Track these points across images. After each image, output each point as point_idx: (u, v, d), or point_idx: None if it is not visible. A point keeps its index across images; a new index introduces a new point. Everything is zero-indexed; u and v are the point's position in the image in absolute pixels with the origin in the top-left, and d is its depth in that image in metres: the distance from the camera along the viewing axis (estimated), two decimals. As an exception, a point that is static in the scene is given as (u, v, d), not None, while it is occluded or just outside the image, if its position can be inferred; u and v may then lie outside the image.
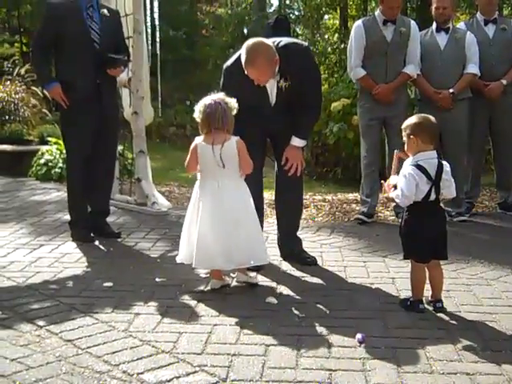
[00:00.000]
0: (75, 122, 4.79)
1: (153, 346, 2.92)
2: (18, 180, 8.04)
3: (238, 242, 3.65)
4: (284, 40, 4.10)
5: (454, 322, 3.26)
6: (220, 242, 3.62)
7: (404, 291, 3.66)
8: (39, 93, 10.39)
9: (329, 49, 12.21)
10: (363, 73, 5.51)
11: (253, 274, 3.93)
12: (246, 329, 3.13)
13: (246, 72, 3.89)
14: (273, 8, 19.08)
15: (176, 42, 16.57)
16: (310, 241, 4.86)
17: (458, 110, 5.60)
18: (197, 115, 3.69)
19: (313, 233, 5.22)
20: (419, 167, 3.27)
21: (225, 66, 4.18)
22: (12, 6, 18.14)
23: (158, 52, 7.60)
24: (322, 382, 2.58)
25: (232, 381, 2.59)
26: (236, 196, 3.71)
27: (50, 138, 8.72)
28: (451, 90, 5.53)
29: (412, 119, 3.43)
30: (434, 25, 5.71)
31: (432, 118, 3.40)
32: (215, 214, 3.63)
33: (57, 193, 7.11)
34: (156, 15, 7.13)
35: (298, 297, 3.64)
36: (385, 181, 3.54)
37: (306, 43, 4.37)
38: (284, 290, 3.77)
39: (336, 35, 14.77)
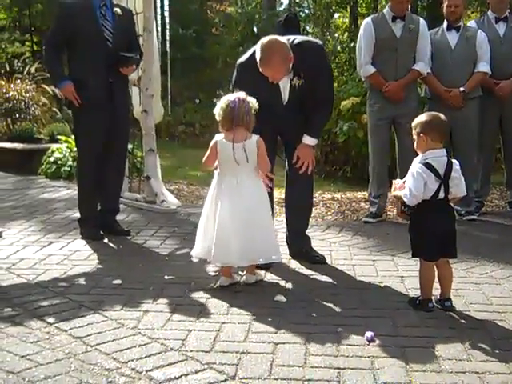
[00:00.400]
0: (87, 120, 4.81)
1: (161, 344, 2.93)
2: (27, 178, 8.09)
3: (253, 240, 3.68)
4: (298, 38, 4.11)
5: (463, 320, 3.25)
6: (237, 238, 3.64)
7: (413, 290, 3.65)
8: (49, 91, 10.43)
9: (338, 47, 12.21)
10: (373, 70, 5.49)
11: (261, 272, 3.94)
12: (254, 327, 3.13)
13: (260, 70, 3.89)
14: (283, 6, 19.11)
15: (186, 41, 16.61)
16: (319, 239, 4.86)
17: (468, 109, 5.57)
18: (218, 112, 3.70)
19: (322, 231, 5.21)
20: (428, 165, 3.26)
21: (238, 62, 4.18)
22: (23, 5, 18.23)
23: (168, 50, 7.61)
24: (331, 381, 2.58)
25: (240, 379, 2.59)
26: (253, 194, 3.74)
27: (59, 137, 8.76)
28: (462, 89, 5.51)
29: (422, 117, 3.42)
30: (445, 23, 5.69)
31: (442, 116, 3.39)
32: (233, 211, 3.65)
33: (66, 191, 7.14)
34: (166, 13, 7.14)
35: (306, 295, 3.64)
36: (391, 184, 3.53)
37: (320, 41, 4.37)
38: (293, 288, 3.78)
39: (346, 34, 14.77)
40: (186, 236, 4.97)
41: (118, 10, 4.91)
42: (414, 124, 3.42)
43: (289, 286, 3.81)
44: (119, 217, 5.33)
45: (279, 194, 5.67)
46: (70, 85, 4.76)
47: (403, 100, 5.47)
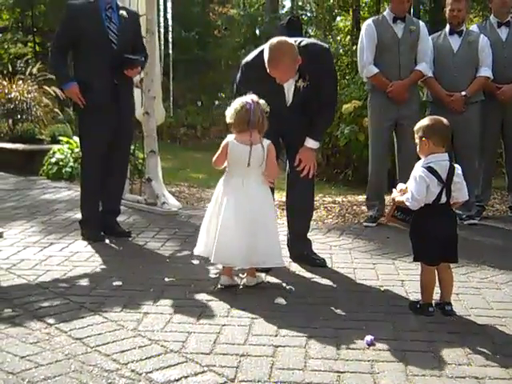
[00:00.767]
0: (92, 121, 4.83)
1: (161, 346, 2.93)
2: (29, 179, 8.09)
3: (256, 242, 3.68)
4: (305, 40, 4.13)
5: (463, 325, 3.25)
6: (240, 239, 3.64)
7: (413, 294, 3.64)
8: (51, 92, 10.44)
9: (341, 50, 12.21)
10: (376, 70, 5.49)
11: (262, 275, 3.94)
12: (254, 329, 3.13)
13: (268, 71, 3.89)
14: (285, 9, 19.13)
15: (188, 43, 16.62)
16: (320, 242, 4.86)
17: (470, 113, 5.58)
18: (231, 113, 3.71)
19: (322, 234, 5.21)
20: (430, 169, 3.26)
21: (243, 62, 4.19)
22: (26, 6, 18.26)
23: (171, 52, 7.61)
24: (330, 384, 2.58)
25: (240, 381, 2.59)
26: (260, 197, 3.76)
27: (61, 138, 8.77)
28: (463, 93, 5.51)
29: (424, 121, 3.42)
30: (448, 27, 5.70)
31: (444, 120, 3.39)
32: (238, 212, 3.66)
33: (67, 192, 7.14)
34: (169, 16, 7.14)
35: (307, 298, 3.64)
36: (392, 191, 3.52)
37: (326, 44, 4.37)
38: (293, 291, 3.77)
39: (348, 37, 14.78)
40: (187, 238, 4.97)
41: (123, 12, 4.93)
42: (416, 128, 3.42)
43: (289, 288, 3.81)
44: (120, 218, 5.33)
45: (280, 196, 5.68)
46: (76, 86, 4.78)
47: (405, 102, 5.47)
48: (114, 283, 3.88)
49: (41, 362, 2.73)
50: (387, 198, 5.92)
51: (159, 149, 6.37)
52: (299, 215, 4.40)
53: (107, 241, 4.93)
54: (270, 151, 3.76)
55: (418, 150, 3.40)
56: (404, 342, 2.98)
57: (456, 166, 3.34)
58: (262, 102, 3.72)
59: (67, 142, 8.43)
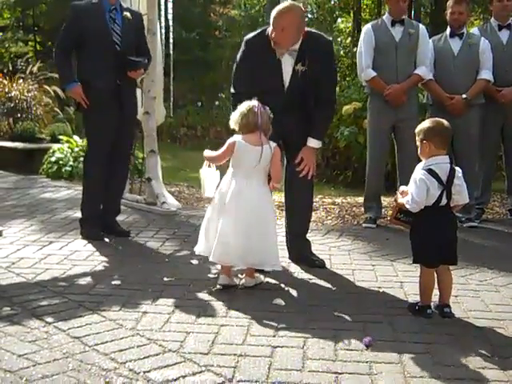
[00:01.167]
0: (96, 120, 4.85)
1: (160, 345, 2.93)
2: (29, 177, 8.09)
3: (254, 243, 3.68)
4: (309, 29, 4.17)
5: (461, 327, 3.25)
6: (239, 239, 3.65)
7: (412, 296, 3.64)
8: (51, 91, 10.45)
9: (341, 52, 12.20)
10: (373, 74, 5.50)
11: (261, 276, 3.93)
12: (253, 330, 3.13)
13: (269, 31, 3.96)
14: (286, 10, 19.07)
15: (189, 43, 16.60)
16: (319, 243, 4.86)
17: (470, 116, 5.58)
18: (237, 117, 3.74)
19: (322, 235, 5.21)
20: (430, 172, 3.26)
21: (245, 39, 4.23)
22: (27, 5, 18.26)
23: (171, 52, 7.62)
24: (328, 385, 2.58)
25: (238, 381, 2.59)
26: (261, 198, 3.77)
27: (61, 137, 8.77)
28: (464, 96, 5.52)
29: (425, 124, 3.42)
30: (448, 30, 5.71)
31: (445, 123, 3.39)
32: (239, 211, 3.67)
33: (67, 191, 7.14)
34: (170, 16, 7.14)
35: (305, 299, 3.64)
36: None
37: (330, 38, 4.39)
38: (292, 292, 3.77)
39: (349, 38, 14.77)
40: (186, 238, 4.97)
41: (127, 14, 4.94)
42: (417, 130, 3.42)
43: (288, 289, 3.81)
44: (120, 218, 5.33)
45: (278, 197, 5.68)
46: (79, 87, 4.80)
47: (404, 105, 5.47)
48: (113, 282, 3.88)
49: (39, 361, 2.73)
50: (387, 200, 5.93)
51: (159, 149, 6.38)
52: (298, 215, 4.40)
53: (107, 240, 4.93)
54: (276, 153, 3.78)
55: (418, 152, 3.40)
56: (402, 344, 2.98)
57: (457, 168, 3.34)
58: (266, 107, 3.75)
59: (67, 141, 8.44)
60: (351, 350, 2.91)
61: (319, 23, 15.81)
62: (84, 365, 2.71)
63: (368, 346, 2.93)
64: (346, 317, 3.35)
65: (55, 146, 8.42)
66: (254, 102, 3.73)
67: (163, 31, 6.92)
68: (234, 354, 2.83)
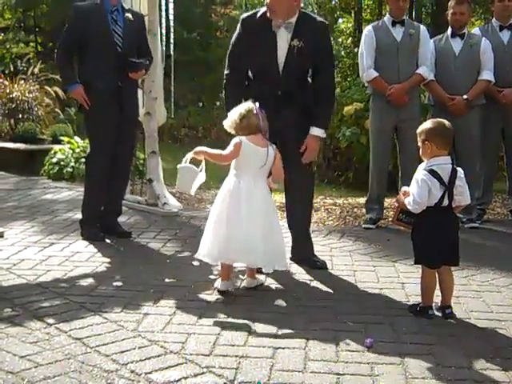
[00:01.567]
0: (97, 121, 4.86)
1: (161, 347, 2.93)
2: (30, 178, 8.09)
3: (269, 243, 3.66)
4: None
5: (463, 328, 3.25)
6: (255, 240, 3.59)
7: (414, 297, 3.64)
8: (52, 92, 10.45)
9: (342, 52, 12.19)
10: (375, 74, 5.50)
11: (262, 277, 3.93)
12: (254, 331, 3.13)
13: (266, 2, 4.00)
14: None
15: (190, 44, 16.61)
16: (320, 244, 4.85)
17: (471, 116, 5.58)
18: (234, 118, 3.70)
19: (323, 236, 5.21)
20: (432, 172, 3.26)
21: (241, 17, 4.27)
22: (28, 6, 18.26)
23: (172, 53, 7.62)
24: (330, 386, 2.58)
25: (240, 382, 2.59)
26: (267, 198, 3.76)
27: (62, 138, 8.77)
28: (465, 96, 5.51)
29: (427, 124, 3.42)
30: (449, 30, 5.71)
31: (447, 123, 3.39)
32: (251, 213, 3.62)
33: (68, 192, 7.14)
34: (171, 17, 7.14)
35: (306, 300, 3.63)
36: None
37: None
38: (293, 293, 3.77)
39: (350, 39, 14.76)
40: (188, 239, 4.97)
41: (129, 15, 4.95)
42: (418, 131, 3.42)
43: (289, 290, 3.81)
44: (121, 219, 5.32)
45: (280, 198, 5.67)
46: (80, 88, 4.81)
47: (405, 105, 5.47)
48: (115, 283, 3.88)
49: (40, 362, 2.73)
50: (388, 201, 5.93)
51: (160, 149, 6.38)
52: (298, 215, 4.38)
53: (108, 241, 4.93)
54: (277, 154, 3.79)
55: (420, 153, 3.40)
56: (404, 345, 2.99)
57: (458, 169, 3.33)
58: (263, 111, 3.72)
59: (68, 142, 8.43)
60: (353, 351, 2.91)
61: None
62: (86, 366, 2.71)
63: (369, 347, 2.93)
64: (348, 318, 3.34)
65: (56, 147, 8.42)
66: (252, 104, 3.71)
67: (164, 32, 6.92)
68: (236, 356, 2.83)
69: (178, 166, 3.92)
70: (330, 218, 5.94)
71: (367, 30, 5.70)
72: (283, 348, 2.93)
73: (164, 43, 6.92)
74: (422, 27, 5.69)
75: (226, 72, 4.28)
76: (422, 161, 3.43)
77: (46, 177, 8.09)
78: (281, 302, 3.58)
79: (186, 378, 2.62)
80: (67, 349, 2.89)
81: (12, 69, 11.87)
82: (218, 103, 15.45)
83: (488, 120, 5.70)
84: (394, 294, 3.77)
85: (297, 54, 4.05)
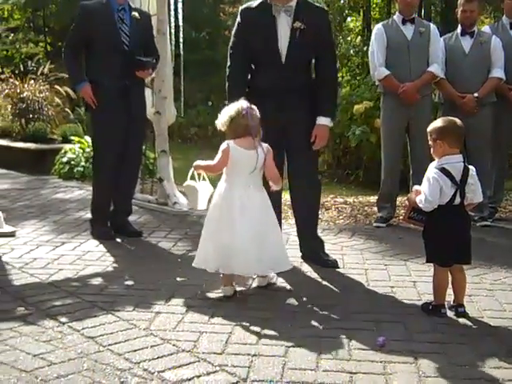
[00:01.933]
0: (104, 120, 4.86)
1: (173, 345, 2.93)
2: (40, 178, 8.12)
3: (268, 249, 3.62)
4: None
5: (476, 327, 3.24)
6: (252, 248, 3.53)
7: (426, 295, 3.63)
8: (62, 92, 10.48)
9: (351, 51, 12.15)
10: (387, 72, 5.47)
11: (272, 275, 3.91)
12: (266, 330, 3.13)
13: None
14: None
15: (198, 43, 16.63)
16: (331, 243, 4.84)
17: (482, 115, 5.55)
18: (225, 120, 3.61)
19: (334, 235, 5.20)
20: (444, 171, 3.25)
21: (240, 8, 4.26)
22: (37, 6, 18.33)
23: (182, 52, 7.63)
24: (343, 385, 2.58)
25: (252, 381, 2.59)
26: (263, 203, 3.68)
27: (72, 137, 8.79)
28: (476, 95, 5.49)
29: (438, 123, 3.41)
30: (459, 28, 5.68)
31: (458, 121, 3.38)
32: (245, 220, 3.55)
33: (79, 191, 7.17)
34: (180, 16, 7.14)
35: (318, 299, 3.63)
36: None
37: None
38: (304, 291, 3.76)
39: (359, 37, 14.72)
40: (198, 238, 4.94)
41: (135, 13, 4.95)
42: (429, 130, 3.41)
43: (301, 289, 3.80)
44: (131, 218, 5.34)
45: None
46: (88, 86, 4.82)
47: (417, 103, 5.45)
48: (126, 282, 3.89)
49: (54, 361, 2.75)
50: (399, 199, 5.91)
51: (170, 149, 6.38)
52: (305, 213, 4.35)
53: (118, 240, 4.95)
54: (269, 153, 3.66)
55: (432, 151, 3.39)
56: (416, 344, 2.98)
57: (470, 167, 3.32)
58: (254, 107, 3.63)
59: (79, 142, 8.46)
60: (365, 349, 2.91)
61: (329, 22, 15.79)
62: (99, 365, 2.72)
63: (382, 346, 2.93)
64: (360, 316, 3.34)
65: (67, 147, 8.44)
66: (243, 104, 3.60)
67: (173, 31, 6.92)
68: (248, 354, 2.84)
69: (183, 184, 3.89)
70: (341, 217, 5.93)
71: (377, 28, 5.69)
72: (295, 346, 2.92)
73: (173, 43, 6.92)
74: (432, 25, 5.68)
75: (228, 65, 4.28)
76: (433, 159, 3.41)
77: (57, 176, 8.11)
78: (292, 301, 3.58)
79: (198, 376, 2.63)
80: (80, 347, 2.90)
81: (22, 69, 11.88)
82: (226, 102, 15.42)
83: (499, 118, 5.67)
84: (405, 292, 3.75)
85: (299, 37, 4.03)
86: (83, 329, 3.12)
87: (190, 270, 4.11)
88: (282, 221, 4.53)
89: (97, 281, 3.95)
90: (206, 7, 18.92)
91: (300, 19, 4.02)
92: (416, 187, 3.43)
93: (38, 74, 10.93)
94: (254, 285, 3.85)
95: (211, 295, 3.67)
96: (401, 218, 5.72)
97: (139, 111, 5.07)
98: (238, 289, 3.74)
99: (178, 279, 3.96)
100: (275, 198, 4.00)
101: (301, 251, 4.42)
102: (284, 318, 3.30)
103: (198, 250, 3.75)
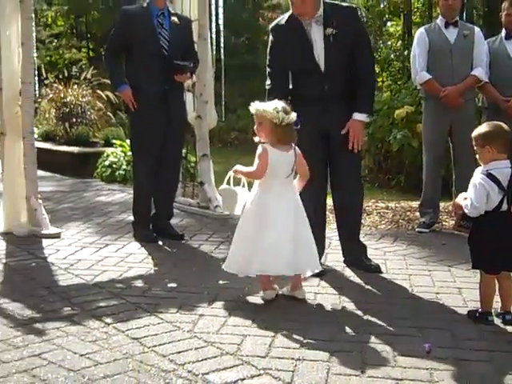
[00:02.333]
0: (143, 124, 4.91)
1: (217, 348, 2.94)
2: (83, 181, 8.25)
3: (303, 250, 3.61)
4: None
5: (523, 335, 3.18)
6: (290, 249, 3.53)
7: (471, 302, 3.57)
8: (104, 96, 10.64)
9: (392, 56, 12.06)
10: (428, 76, 5.40)
11: (316, 279, 3.88)
12: (309, 334, 3.11)
13: (291, 8, 4.02)
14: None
15: (238, 48, 16.70)
16: (373, 248, 4.80)
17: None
18: (276, 118, 3.52)
19: (376, 240, 5.16)
20: (490, 176, 3.19)
21: (270, 27, 4.27)
22: (80, 13, 18.65)
23: (222, 57, 7.68)
24: (388, 391, 2.55)
25: (297, 385, 2.58)
26: (297, 203, 3.67)
27: (114, 141, 8.92)
28: (520, 98, 5.39)
29: (483, 128, 3.35)
30: (503, 32, 5.59)
31: (504, 126, 3.32)
32: (287, 221, 3.56)
33: (121, 194, 7.25)
34: (221, 21, 7.20)
35: (361, 304, 3.60)
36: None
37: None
38: (347, 296, 3.73)
39: (399, 42, 14.60)
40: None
41: (175, 18, 5.00)
42: (474, 135, 3.35)
43: (343, 294, 3.78)
44: (173, 221, 5.37)
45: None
46: (128, 90, 4.88)
47: (460, 108, 5.38)
48: (169, 285, 3.92)
49: (100, 361, 2.78)
50: (441, 205, 5.84)
51: (211, 153, 6.41)
52: (348, 215, 4.32)
53: (160, 243, 4.98)
54: (300, 153, 3.66)
55: (478, 157, 3.33)
56: (463, 351, 2.93)
57: (519, 172, 3.25)
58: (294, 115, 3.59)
59: (120, 145, 8.57)
60: (410, 356, 2.86)
61: (369, 26, 15.69)
62: (144, 365, 2.75)
63: (428, 353, 2.89)
64: (404, 322, 3.30)
65: (109, 150, 8.57)
66: (294, 115, 3.55)
67: (214, 36, 6.97)
68: (292, 358, 2.83)
69: (219, 188, 3.84)
70: (383, 222, 5.88)
71: (420, 32, 5.63)
72: (339, 351, 2.90)
73: (214, 47, 6.97)
74: (477, 28, 5.60)
75: (267, 83, 4.29)
76: (477, 164, 3.36)
77: (99, 179, 8.24)
78: (335, 306, 3.56)
79: (242, 379, 2.63)
80: (125, 348, 2.93)
81: (66, 74, 12.09)
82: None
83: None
84: (450, 299, 3.70)
85: (333, 43, 4.04)
86: (128, 330, 3.15)
87: (231, 273, 4.13)
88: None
89: (140, 283, 3.99)
90: (246, 12, 19.01)
91: (330, 25, 4.03)
92: (463, 194, 3.36)
93: (81, 78, 11.11)
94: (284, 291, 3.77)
95: (253, 299, 3.67)
96: (443, 223, 5.68)
97: (178, 115, 5.09)
98: (280, 292, 3.73)
99: (221, 282, 3.97)
100: (318, 202, 4.04)
101: (343, 256, 4.39)
102: (328, 322, 3.29)
103: (229, 253, 3.75)
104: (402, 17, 15.59)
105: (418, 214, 5.77)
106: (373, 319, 3.35)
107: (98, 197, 7.15)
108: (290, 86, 4.25)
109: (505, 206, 3.21)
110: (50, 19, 19.25)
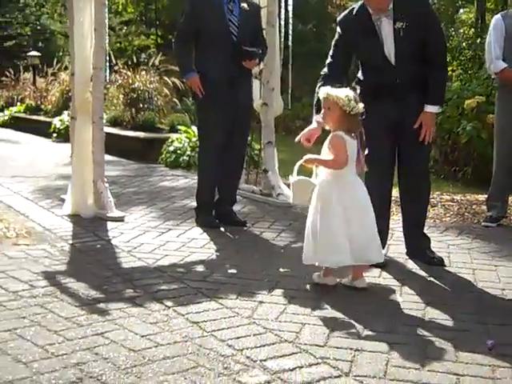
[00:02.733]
0: (210, 110, 4.94)
1: (276, 335, 2.94)
2: (148, 166, 8.40)
3: (363, 239, 3.59)
4: None
5: None
6: (354, 238, 3.54)
7: (539, 299, 3.46)
8: (170, 83, 10.76)
9: (463, 44, 11.74)
10: (503, 65, 5.22)
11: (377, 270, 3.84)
12: (369, 325, 3.08)
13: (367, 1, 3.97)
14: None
15: (305, 36, 16.61)
16: (437, 241, 4.69)
17: None
18: (350, 106, 3.47)
19: (440, 233, 5.05)
20: None
21: (338, 20, 4.22)
22: (150, 0, 18.95)
23: (290, 44, 7.64)
24: (449, 386, 2.50)
25: (355, 376, 2.55)
26: (365, 192, 3.65)
27: (179, 127, 9.02)
28: None
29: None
30: None
31: None
32: (356, 209, 3.56)
33: (184, 180, 7.34)
34: (290, 8, 7.14)
35: (422, 296, 3.53)
36: None
37: None
38: (408, 288, 3.67)
39: (472, 30, 14.21)
40: (302, 230, 4.93)
41: (244, 5, 4.99)
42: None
43: (404, 286, 3.71)
44: (235, 207, 5.40)
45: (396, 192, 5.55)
46: (196, 77, 4.90)
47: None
48: (229, 271, 3.95)
49: (160, 342, 2.83)
50: (510, 199, 5.67)
51: (275, 140, 6.40)
52: (415, 209, 4.27)
53: (222, 229, 5.02)
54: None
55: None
56: (528, 349, 2.84)
57: None
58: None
59: (185, 132, 8.67)
60: (473, 351, 2.79)
61: (440, 14, 15.32)
62: (203, 349, 2.77)
63: (491, 349, 2.81)
64: (467, 317, 3.23)
65: (174, 136, 8.68)
66: (362, 105, 3.53)
67: (282, 23, 6.93)
68: (351, 348, 2.80)
69: (291, 179, 3.76)
70: (448, 215, 5.74)
71: (496, 18, 5.44)
72: (399, 344, 2.86)
73: (282, 34, 6.93)
74: None
75: (324, 70, 4.19)
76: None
77: (164, 165, 8.36)
78: (395, 297, 3.51)
79: (300, 367, 2.62)
80: (184, 331, 2.97)
81: (134, 60, 12.30)
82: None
83: None
84: (517, 295, 3.60)
85: (403, 36, 3.96)
86: (188, 313, 3.19)
87: (292, 261, 4.14)
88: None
89: (201, 268, 4.03)
90: (313, -1, 18.88)
91: (400, 18, 3.95)
92: None
93: (149, 65, 11.28)
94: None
95: (314, 287, 3.66)
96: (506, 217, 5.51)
97: (246, 101, 5.11)
98: (342, 282, 3.70)
99: (281, 270, 3.98)
100: (384, 191, 4.11)
101: (406, 247, 4.32)
102: (388, 313, 3.25)
103: (305, 247, 3.72)
104: (476, 3, 15.16)
105: (484, 207, 5.62)
106: (435, 312, 3.28)
107: (162, 182, 7.25)
108: (361, 77, 4.20)
109: None
110: (120, 6, 19.62)
